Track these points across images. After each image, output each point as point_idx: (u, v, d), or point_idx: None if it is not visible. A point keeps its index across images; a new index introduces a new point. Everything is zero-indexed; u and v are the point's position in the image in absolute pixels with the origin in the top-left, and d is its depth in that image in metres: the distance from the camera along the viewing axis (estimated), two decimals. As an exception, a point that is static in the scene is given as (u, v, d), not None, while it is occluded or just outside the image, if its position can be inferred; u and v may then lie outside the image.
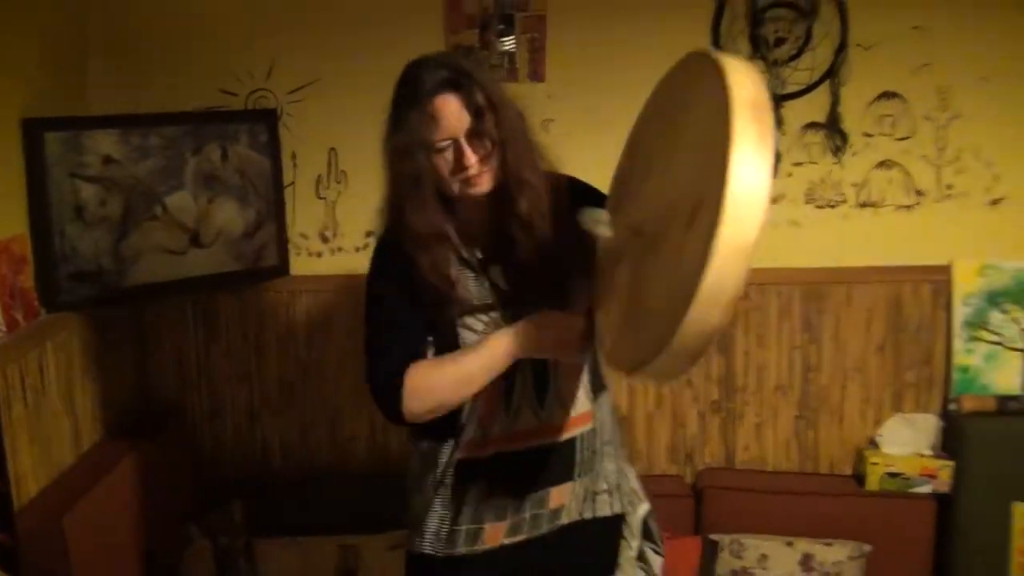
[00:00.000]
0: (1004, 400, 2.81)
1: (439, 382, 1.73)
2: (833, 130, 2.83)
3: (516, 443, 1.85)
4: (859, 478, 2.93)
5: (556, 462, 1.88)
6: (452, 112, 1.69)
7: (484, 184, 1.74)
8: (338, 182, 2.92)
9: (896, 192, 2.87)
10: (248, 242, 2.84)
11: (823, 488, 2.90)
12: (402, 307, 1.77)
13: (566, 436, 1.88)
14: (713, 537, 2.79)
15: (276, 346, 2.97)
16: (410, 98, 1.70)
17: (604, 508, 1.95)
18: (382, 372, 1.74)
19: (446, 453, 1.85)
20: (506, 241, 1.81)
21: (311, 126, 2.88)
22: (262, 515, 2.80)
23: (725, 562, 2.75)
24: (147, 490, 2.58)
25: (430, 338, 1.79)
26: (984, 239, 2.87)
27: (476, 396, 1.78)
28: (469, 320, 1.79)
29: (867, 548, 2.74)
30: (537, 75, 2.85)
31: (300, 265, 2.94)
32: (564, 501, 1.90)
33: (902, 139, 2.84)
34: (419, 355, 1.76)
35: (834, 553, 2.73)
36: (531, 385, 1.84)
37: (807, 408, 2.97)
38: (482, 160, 1.72)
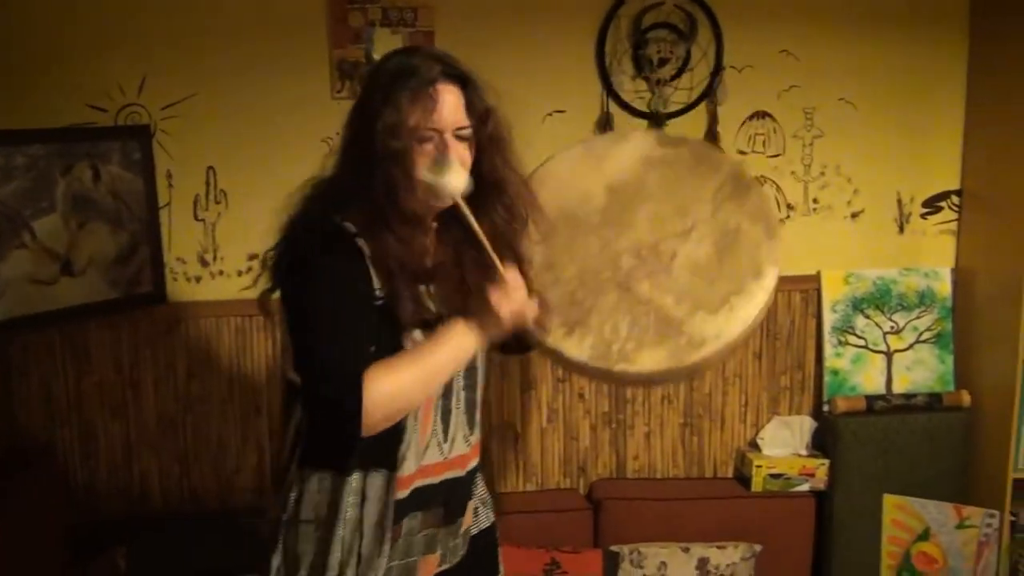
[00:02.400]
0: (872, 399, 3.01)
1: (402, 386, 1.59)
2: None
3: (448, 471, 1.80)
4: (742, 479, 3.05)
5: (467, 485, 1.88)
6: (451, 104, 1.63)
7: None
8: (217, 202, 2.78)
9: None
10: (122, 268, 2.65)
11: (712, 492, 3.00)
12: (355, 305, 1.61)
13: (476, 458, 1.89)
14: (613, 548, 2.83)
15: (153, 378, 2.79)
16: (406, 80, 1.61)
17: (484, 520, 1.97)
18: (336, 381, 1.54)
19: (378, 486, 1.69)
20: (451, 258, 1.74)
21: (187, 144, 2.73)
22: (147, 559, 2.62)
23: (626, 572, 2.80)
24: (16, 537, 2.36)
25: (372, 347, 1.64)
26: (847, 249, 3.06)
27: (419, 422, 1.70)
28: (415, 333, 1.67)
29: (757, 548, 2.87)
30: (425, 92, 2.81)
31: (178, 291, 2.78)
32: (469, 522, 1.91)
33: (773, 156, 2.99)
34: (371, 361, 1.59)
35: (728, 555, 2.83)
36: (464, 411, 1.81)
37: (691, 415, 3.07)
38: (461, 163, 1.65)
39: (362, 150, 1.63)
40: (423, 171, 1.62)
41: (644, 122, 2.89)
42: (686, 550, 2.83)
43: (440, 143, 1.63)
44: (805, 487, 2.98)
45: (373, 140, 1.61)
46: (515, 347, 1.95)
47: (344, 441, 1.62)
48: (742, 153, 2.97)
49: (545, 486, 3.04)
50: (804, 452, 3.03)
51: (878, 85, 2.98)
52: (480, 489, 1.97)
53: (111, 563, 2.55)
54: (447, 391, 1.76)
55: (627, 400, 3.03)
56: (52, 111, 2.59)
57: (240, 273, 2.79)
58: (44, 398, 2.73)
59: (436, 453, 1.77)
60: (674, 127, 2.90)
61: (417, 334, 1.67)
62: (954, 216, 3.09)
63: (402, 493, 1.71)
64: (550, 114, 2.85)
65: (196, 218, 2.77)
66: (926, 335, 3.08)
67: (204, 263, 2.79)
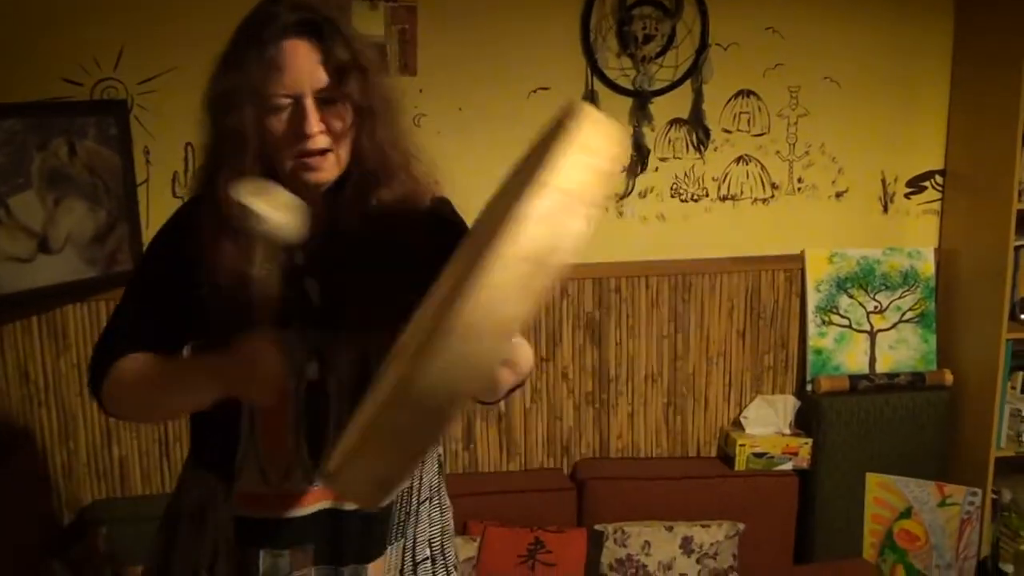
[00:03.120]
0: (855, 379, 3.02)
1: (135, 383, 1.42)
2: (696, 126, 2.92)
3: (323, 502, 1.49)
4: (725, 459, 3.05)
5: (363, 533, 1.52)
6: (303, 62, 1.34)
7: (326, 171, 1.39)
8: (196, 180, 2.73)
9: (753, 186, 3.01)
10: (100, 246, 2.60)
11: (695, 471, 3.00)
12: (161, 291, 1.45)
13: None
14: (597, 527, 2.83)
15: (132, 358, 2.75)
16: (252, 37, 1.35)
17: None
18: (99, 352, 1.47)
19: (223, 495, 1.48)
20: (337, 250, 1.45)
21: (165, 119, 2.67)
22: (128, 541, 2.58)
23: (611, 551, 2.79)
24: (1, 521, 2.32)
25: (193, 342, 1.49)
26: (832, 229, 3.06)
27: (258, 435, 1.45)
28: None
29: (741, 526, 2.87)
30: (408, 68, 2.77)
31: (157, 270, 2.73)
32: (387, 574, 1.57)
33: (758, 135, 2.98)
34: (157, 349, 1.44)
35: (711, 534, 2.83)
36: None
37: (675, 395, 3.07)
38: (332, 136, 1.37)
39: (210, 127, 1.42)
40: (240, 189, 1.31)
41: (629, 100, 2.87)
42: (670, 529, 2.83)
43: (297, 111, 1.35)
44: (788, 466, 2.98)
45: (208, 111, 1.40)
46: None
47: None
48: (727, 131, 2.95)
49: (529, 466, 3.02)
50: (787, 431, 3.04)
51: (863, 64, 2.98)
52: (416, 544, 1.59)
53: (91, 545, 2.51)
54: (315, 409, 1.46)
55: (610, 379, 3.02)
56: (27, 85, 2.53)
57: None
58: (21, 379, 2.68)
59: (301, 479, 1.47)
60: (659, 105, 2.89)
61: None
62: (938, 196, 3.10)
63: (251, 512, 1.47)
64: (534, 91, 2.82)
65: (175, 195, 2.72)
66: (909, 315, 3.09)
67: (183, 241, 2.75)
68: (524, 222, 0.94)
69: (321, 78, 1.35)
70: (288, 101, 1.35)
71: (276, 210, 1.33)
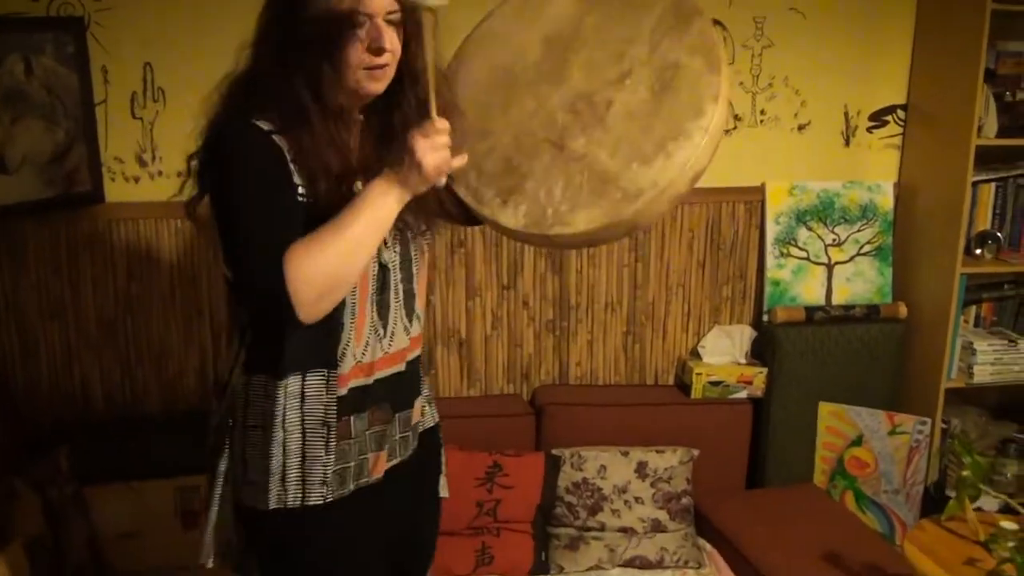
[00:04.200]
0: (811, 310, 3.07)
1: (326, 256, 1.52)
2: (661, 55, 2.92)
3: (391, 365, 1.76)
4: (682, 387, 3.11)
5: (412, 378, 1.84)
6: None
7: (384, 81, 1.61)
8: (155, 100, 2.70)
9: (717, 116, 3.01)
10: (58, 166, 2.59)
11: (652, 399, 3.06)
12: (273, 195, 1.56)
13: (418, 350, 1.85)
14: (555, 452, 2.88)
15: (93, 279, 2.74)
16: None
17: (430, 419, 1.95)
18: (259, 267, 1.51)
19: (318, 386, 1.66)
20: (378, 153, 1.66)
21: (124, 38, 2.65)
22: (90, 461, 2.61)
23: (567, 475, 2.85)
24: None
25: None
26: (792, 162, 3.09)
27: (354, 319, 1.66)
28: None
29: (695, 452, 2.93)
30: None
31: (117, 191, 2.72)
32: (419, 417, 1.89)
33: (723, 65, 2.97)
34: (291, 241, 1.54)
35: (666, 459, 2.89)
36: (403, 303, 1.76)
37: (635, 324, 3.11)
38: (393, 54, 1.59)
39: (284, 39, 1.56)
40: None
41: None
42: (625, 454, 2.89)
43: (373, 29, 1.56)
44: (743, 394, 3.04)
45: (297, 27, 1.54)
46: (458, 216, 1.86)
47: (285, 331, 1.59)
48: (691, 62, 2.94)
49: (489, 392, 3.07)
50: (743, 360, 3.09)
51: (828, -5, 2.98)
52: (425, 388, 1.93)
53: (54, 463, 2.54)
54: (383, 284, 1.71)
55: (571, 307, 3.05)
56: (-20, 0, 2.50)
57: (180, 174, 2.59)
58: (-21, 298, 2.69)
59: (377, 348, 1.72)
60: (624, 33, 2.87)
61: None
62: (899, 130, 3.13)
63: (342, 390, 1.68)
64: None
65: (133, 116, 2.70)
66: (867, 248, 3.13)
67: (142, 163, 2.73)
68: (723, 103, 1.61)
69: (391, 2, 1.57)
70: (364, 19, 1.55)
71: None
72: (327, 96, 1.58)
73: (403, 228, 1.72)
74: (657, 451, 2.90)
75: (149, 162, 2.73)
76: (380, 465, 1.78)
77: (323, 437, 1.68)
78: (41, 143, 2.55)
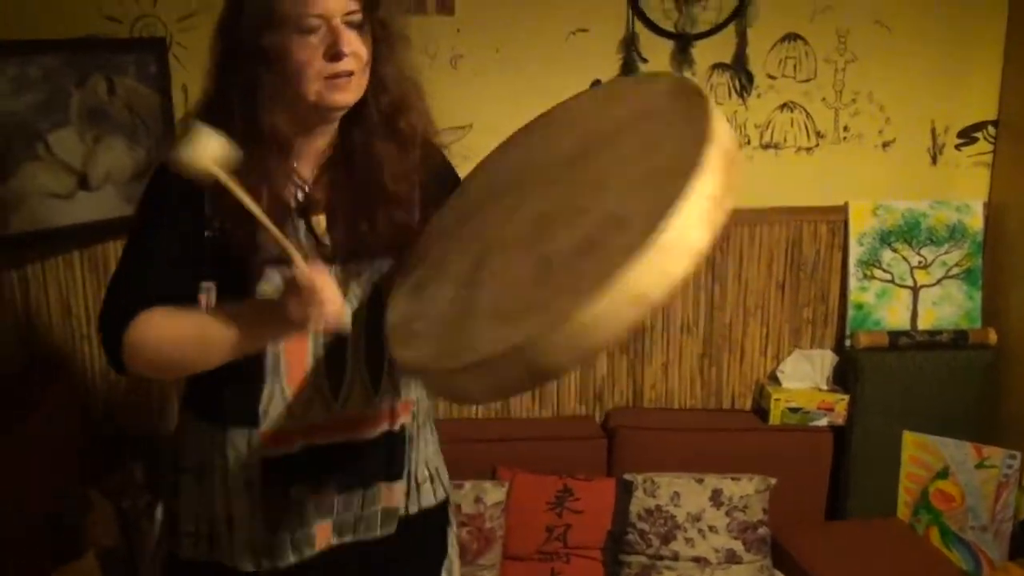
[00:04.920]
0: (895, 335, 2.95)
1: (169, 338, 1.38)
2: (739, 71, 2.85)
3: (342, 434, 1.56)
4: (760, 412, 3.02)
5: (382, 454, 1.60)
6: None
7: (351, 92, 1.42)
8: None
9: (797, 134, 2.93)
10: (140, 184, 2.60)
11: (728, 424, 2.98)
12: (173, 235, 1.42)
13: (398, 424, 1.61)
14: (627, 477, 2.82)
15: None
16: None
17: (429, 497, 1.70)
18: (111, 309, 1.42)
19: (242, 443, 1.50)
20: (342, 182, 1.48)
21: (204, 57, 2.64)
22: (164, 477, 2.64)
23: (640, 501, 2.79)
24: (36, 450, 2.38)
25: (208, 285, 1.46)
26: (877, 180, 2.98)
27: (283, 374, 1.47)
28: (268, 272, 1.43)
29: (772, 481, 2.84)
30: (446, 7, 2.73)
31: (194, 208, 2.76)
32: (396, 501, 1.64)
33: (804, 81, 2.89)
34: (171, 300, 1.41)
35: (742, 487, 2.81)
36: (364, 364, 1.54)
37: (711, 346, 3.03)
38: (356, 59, 1.40)
39: (224, 53, 1.43)
40: (175, 149, 1.30)
41: (670, 43, 2.80)
42: (700, 481, 2.82)
43: (329, 32, 1.37)
44: (823, 422, 2.94)
45: (238, 38, 1.40)
46: None
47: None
48: (771, 77, 2.88)
49: (561, 413, 3.02)
50: (824, 386, 2.99)
51: (915, 8, 2.88)
52: (417, 466, 1.67)
53: (129, 475, 2.58)
54: (336, 339, 1.50)
55: (646, 329, 2.99)
56: (66, 21, 2.55)
57: None
58: (63, 313, 2.73)
59: (321, 411, 1.53)
60: (702, 49, 2.82)
61: (276, 277, 1.43)
62: (989, 148, 3.00)
63: (277, 451, 1.51)
64: (573, 33, 2.77)
65: (213, 134, 2.74)
66: (955, 270, 3.00)
67: (220, 181, 2.76)
68: (707, 169, 1.15)
69: (350, 1, 1.39)
70: (318, 23, 1.37)
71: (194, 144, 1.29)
72: (267, 118, 1.40)
73: (360, 263, 1.52)
74: (733, 479, 2.82)
75: None
76: (323, 537, 1.58)
77: (251, 500, 1.52)
78: (123, 161, 2.60)
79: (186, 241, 1.42)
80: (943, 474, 2.94)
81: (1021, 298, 2.92)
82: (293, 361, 1.49)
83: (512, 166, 1.56)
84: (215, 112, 1.40)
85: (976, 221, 3.00)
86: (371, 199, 1.49)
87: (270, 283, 1.44)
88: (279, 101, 1.40)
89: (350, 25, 1.40)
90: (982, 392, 2.95)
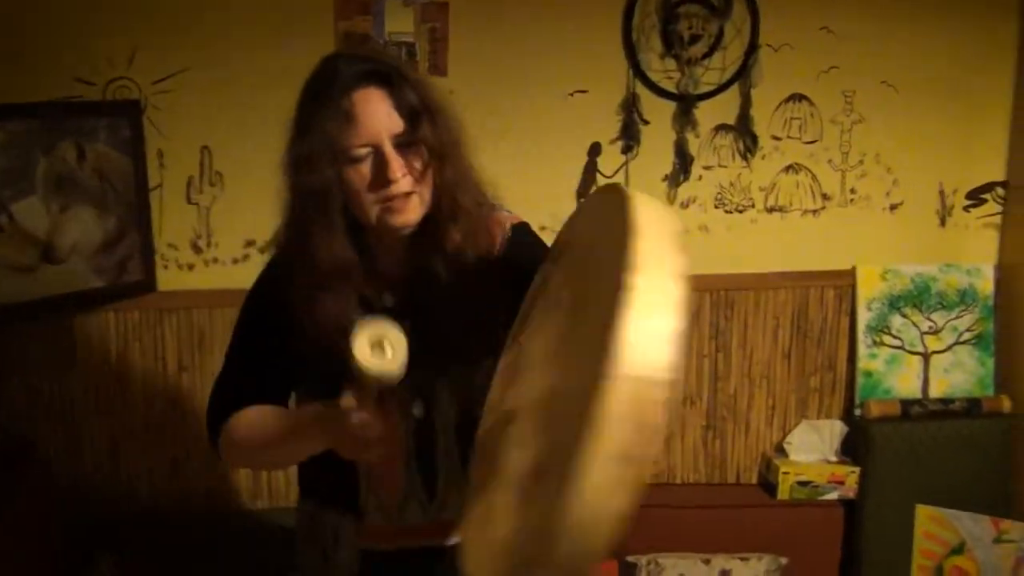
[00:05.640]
0: (907, 404, 2.83)
1: (248, 437, 1.49)
2: (743, 132, 2.75)
3: (437, 537, 1.54)
4: (767, 486, 2.88)
5: (450, 564, 1.53)
6: (376, 111, 1.36)
7: (411, 212, 1.41)
8: (212, 184, 2.58)
9: (803, 196, 2.82)
10: (109, 255, 2.46)
11: (735, 500, 2.83)
12: (261, 349, 1.53)
13: None
14: (630, 559, 2.67)
15: (143, 372, 2.60)
16: (321, 93, 1.37)
17: None
18: (211, 408, 1.56)
19: (349, 531, 1.55)
20: (422, 291, 1.48)
21: (181, 121, 2.53)
22: (134, 568, 2.45)
23: (645, 585, 2.64)
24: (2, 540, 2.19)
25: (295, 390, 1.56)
26: (885, 244, 2.88)
27: (376, 467, 1.48)
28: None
29: (783, 560, 2.70)
30: (438, 68, 2.60)
31: (169, 280, 2.59)
32: None
33: (809, 143, 2.79)
34: (262, 400, 1.50)
35: (751, 568, 2.67)
36: (459, 467, 1.51)
37: (715, 417, 2.90)
38: (413, 178, 1.39)
39: (288, 189, 1.45)
40: (356, 343, 1.26)
41: (672, 104, 2.70)
42: (707, 561, 2.67)
43: (379, 159, 1.36)
44: (834, 496, 2.81)
45: (287, 177, 1.42)
46: None
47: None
48: (776, 139, 2.77)
49: (558, 490, 2.87)
50: (834, 458, 2.86)
51: (922, 68, 2.80)
52: None
53: (96, 573, 2.38)
54: (421, 441, 1.51)
55: (647, 400, 2.85)
56: (35, 84, 2.39)
57: (236, 261, 2.60)
58: (27, 393, 2.54)
59: (418, 512, 1.54)
60: (705, 110, 2.71)
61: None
62: (999, 209, 2.91)
63: (379, 546, 1.55)
64: (572, 94, 2.66)
65: (189, 201, 2.58)
66: (966, 336, 2.89)
67: (197, 250, 2.60)
68: (604, 422, 0.93)
69: (396, 123, 1.38)
70: (367, 151, 1.37)
71: (388, 360, 1.27)
72: (321, 251, 1.41)
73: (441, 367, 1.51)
74: (742, 559, 2.68)
75: (204, 248, 2.60)
76: None
77: None
78: (91, 231, 2.43)
79: (281, 352, 1.49)
80: (959, 550, 2.80)
81: None
82: (385, 462, 1.48)
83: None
84: (298, 238, 1.44)
85: (987, 285, 2.90)
86: (454, 318, 1.49)
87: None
88: (327, 234, 1.42)
89: (399, 147, 1.38)
90: (998, 462, 2.82)
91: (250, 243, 2.58)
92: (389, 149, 1.36)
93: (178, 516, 2.64)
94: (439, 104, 1.42)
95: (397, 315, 1.40)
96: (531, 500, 1.10)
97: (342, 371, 1.31)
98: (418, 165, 1.39)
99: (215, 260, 2.61)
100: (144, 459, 2.64)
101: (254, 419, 1.48)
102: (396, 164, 1.37)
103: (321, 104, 1.36)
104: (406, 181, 1.38)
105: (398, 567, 1.55)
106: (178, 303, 2.60)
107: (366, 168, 1.37)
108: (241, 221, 2.58)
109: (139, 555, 2.48)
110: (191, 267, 2.60)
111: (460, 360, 1.50)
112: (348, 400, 1.27)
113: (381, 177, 1.36)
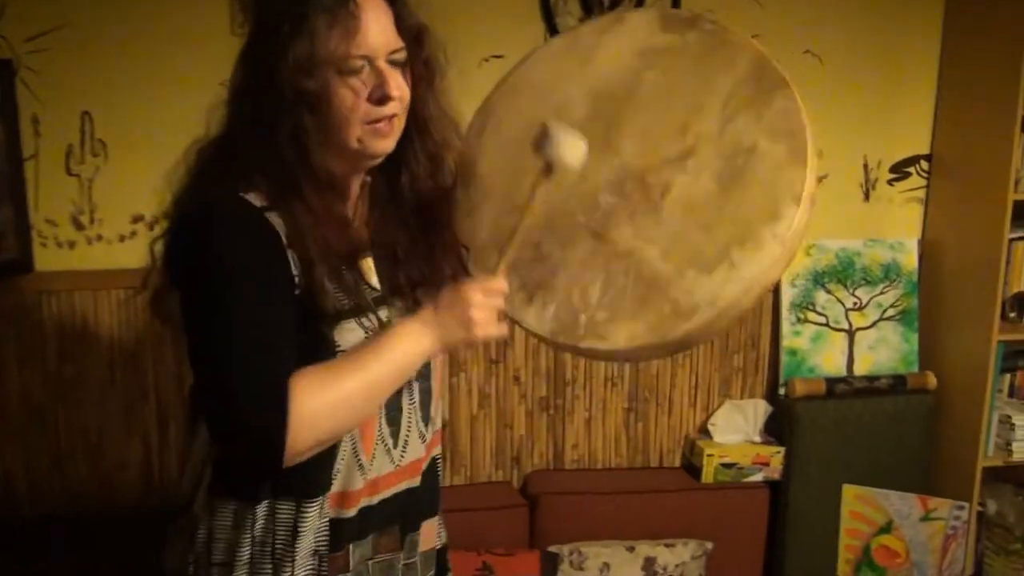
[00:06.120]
0: (832, 382, 2.76)
1: (340, 397, 1.24)
2: (664, 102, 2.64)
3: (402, 480, 1.45)
4: (691, 469, 2.79)
5: (428, 492, 1.52)
6: (380, 20, 1.29)
7: (393, 137, 1.33)
8: (95, 154, 2.37)
9: (725, 169, 2.74)
10: (-24, 232, 2.24)
11: (658, 484, 2.73)
12: (272, 300, 1.26)
13: (434, 453, 1.54)
14: (552, 549, 2.54)
15: (19, 359, 2.38)
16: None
17: (443, 533, 1.63)
18: (255, 403, 1.20)
19: (311, 515, 1.35)
20: (390, 223, 1.42)
21: (59, 84, 2.32)
22: (10, 568, 2.24)
23: (566, 574, 2.52)
24: None
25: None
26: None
27: (356, 434, 1.36)
28: (346, 325, 1.31)
29: (709, 546, 2.61)
30: (342, 31, 2.45)
31: (48, 259, 2.38)
32: (433, 539, 1.57)
33: (732, 113, 2.70)
34: (293, 368, 1.24)
35: (676, 554, 2.56)
36: (419, 405, 1.45)
37: (636, 399, 2.79)
38: (401, 101, 1.31)
39: (264, 96, 1.28)
40: (552, 137, 1.31)
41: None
42: (631, 549, 2.56)
43: (373, 74, 1.28)
44: (759, 477, 2.73)
45: (278, 80, 1.25)
46: None
47: (261, 471, 1.28)
48: (698, 109, 2.67)
49: (475, 479, 2.73)
50: (758, 439, 2.78)
51: (847, 38, 2.75)
52: (440, 499, 1.61)
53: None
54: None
55: (567, 382, 2.72)
56: None
57: (122, 238, 2.39)
58: None
59: (386, 462, 1.42)
60: (624, 78, 2.59)
61: (350, 326, 1.32)
62: (922, 183, 2.86)
63: (345, 513, 1.38)
64: (487, 59, 2.48)
65: (69, 173, 2.36)
66: (890, 312, 2.84)
67: (79, 226, 2.38)
68: (806, 205, 1.35)
69: (394, 40, 1.31)
70: (362, 63, 1.28)
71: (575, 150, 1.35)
72: (319, 161, 1.30)
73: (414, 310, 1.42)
74: (667, 545, 2.58)
75: (87, 225, 2.39)
76: None
77: (314, 570, 1.37)
78: (-43, 205, 2.20)
79: (286, 300, 1.28)
80: (886, 528, 2.76)
81: (960, 340, 2.78)
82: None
83: (532, 121, 1.43)
84: (255, 154, 1.28)
85: (911, 259, 2.85)
86: (430, 242, 1.45)
87: (345, 334, 1.32)
88: (324, 146, 1.30)
89: (393, 64, 1.31)
90: (924, 440, 2.79)
91: (138, 219, 2.38)
92: (384, 64, 1.29)
93: (61, 515, 2.43)
94: (431, 32, 1.38)
95: (358, 251, 1.38)
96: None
97: (328, 314, 1.27)
98: (407, 88, 1.33)
99: (99, 238, 2.40)
100: (22, 455, 2.42)
101: (332, 373, 1.25)
102: (394, 81, 1.29)
103: (315, 8, 1.25)
104: (397, 103, 1.31)
105: (363, 526, 1.41)
106: (58, 285, 2.38)
107: (357, 82, 1.27)
108: (127, 195, 2.37)
109: (15, 554, 2.27)
110: (72, 245, 2.39)
111: (425, 295, 1.42)
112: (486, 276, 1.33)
113: (378, 92, 1.28)
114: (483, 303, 1.32)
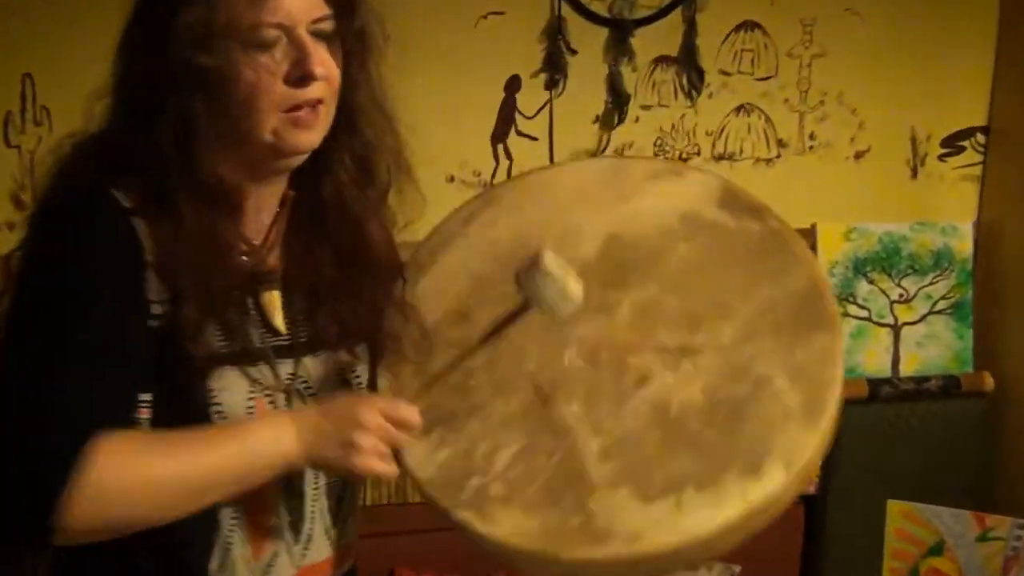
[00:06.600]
0: (876, 384, 2.55)
1: (147, 479, 1.02)
2: (687, 66, 2.43)
3: None
4: (716, 482, 2.55)
5: None
6: None
7: (318, 130, 1.13)
8: (37, 123, 2.18)
9: (755, 142, 2.53)
10: None
11: (681, 499, 2.51)
12: (112, 322, 1.03)
13: (350, 562, 1.33)
14: None
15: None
16: None
17: None
18: (49, 439, 0.96)
19: None
20: (308, 248, 1.20)
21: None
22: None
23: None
24: None
25: (146, 397, 1.08)
26: (849, 198, 2.60)
27: (241, 519, 1.14)
28: (229, 374, 1.11)
29: (736, 569, 2.41)
30: None
31: (-18, 241, 2.20)
32: None
33: (763, 79, 2.50)
34: (122, 421, 1.03)
35: (700, 579, 2.34)
36: (323, 491, 1.23)
37: (656, 402, 2.56)
38: (328, 82, 1.10)
39: (147, 77, 1.08)
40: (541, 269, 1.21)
41: (604, 31, 2.36)
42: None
43: (292, 47, 1.07)
44: (793, 491, 2.50)
45: (166, 56, 1.05)
46: None
47: (24, 539, 1.01)
48: (725, 74, 2.46)
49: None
50: (792, 448, 2.55)
51: (889, -7, 2.55)
52: None
53: None
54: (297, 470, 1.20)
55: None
56: None
57: None
58: None
59: (284, 562, 1.19)
60: (642, 38, 2.38)
61: (232, 374, 1.11)
62: (979, 159, 2.66)
63: None
64: (485, 16, 2.32)
65: (8, 144, 2.17)
66: (941, 304, 2.63)
67: (20, 205, 2.18)
68: (793, 479, 1.16)
69: (318, 4, 1.11)
70: (276, 35, 1.08)
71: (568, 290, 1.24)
72: (207, 163, 1.08)
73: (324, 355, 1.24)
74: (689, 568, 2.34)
75: (29, 202, 2.17)
76: None
77: None
78: None
79: (131, 328, 1.06)
80: (937, 550, 2.51)
81: (1019, 336, 2.57)
82: (255, 498, 1.14)
83: (505, 241, 1.34)
84: (133, 153, 1.07)
85: (964, 246, 2.62)
86: (356, 271, 1.22)
87: (225, 386, 1.11)
88: (221, 141, 1.09)
89: (317, 36, 1.11)
90: (980, 449, 2.60)
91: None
92: (304, 35, 1.09)
93: None
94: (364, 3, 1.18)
95: (262, 282, 1.17)
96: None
97: (199, 357, 1.06)
98: (335, 67, 1.12)
99: (45, 218, 2.19)
100: None
101: (145, 447, 1.03)
102: (317, 56, 1.09)
103: None
104: (323, 84, 1.11)
105: None
106: (-3, 272, 2.18)
107: (269, 59, 1.07)
108: (77, 169, 2.16)
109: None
110: (11, 227, 2.17)
111: (341, 347, 1.23)
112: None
113: (299, 70, 1.08)
114: (378, 429, 1.12)
